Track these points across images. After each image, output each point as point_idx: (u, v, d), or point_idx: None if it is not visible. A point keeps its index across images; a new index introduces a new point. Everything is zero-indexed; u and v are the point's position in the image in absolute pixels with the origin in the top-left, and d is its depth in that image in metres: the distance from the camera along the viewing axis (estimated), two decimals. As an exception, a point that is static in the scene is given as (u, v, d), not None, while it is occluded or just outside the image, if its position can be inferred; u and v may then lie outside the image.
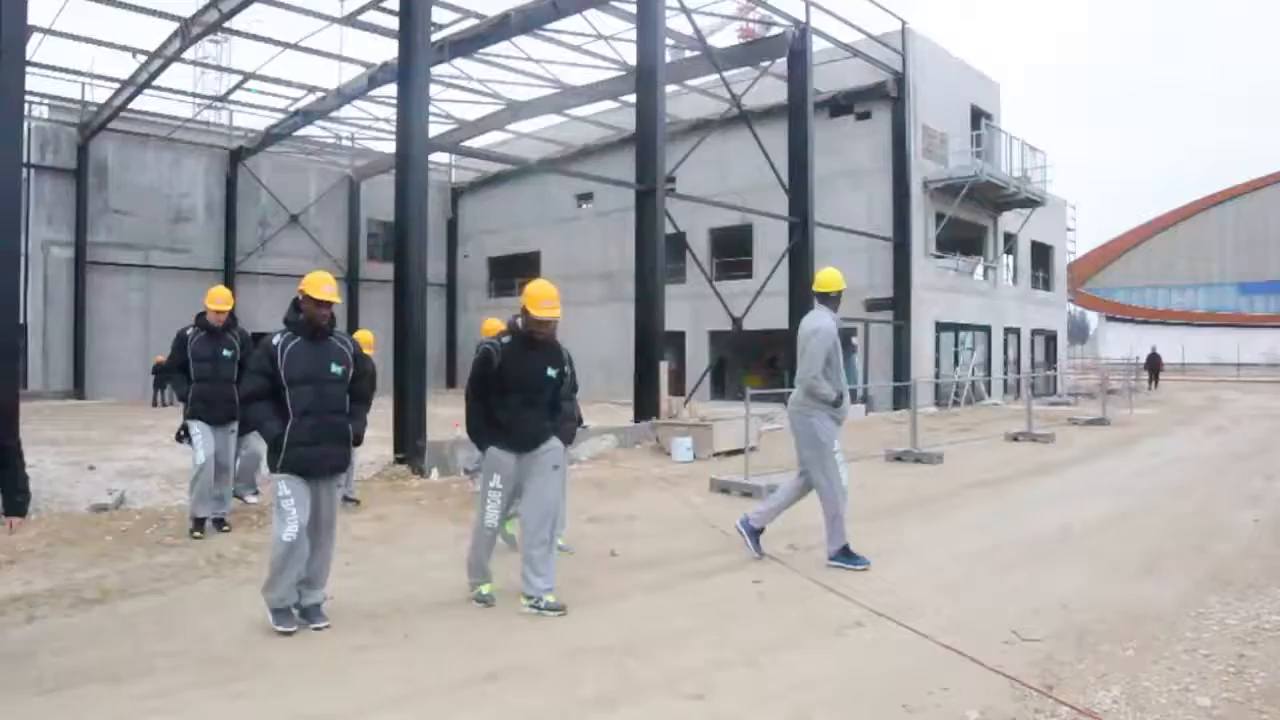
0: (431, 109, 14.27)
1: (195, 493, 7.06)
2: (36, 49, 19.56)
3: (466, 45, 18.84)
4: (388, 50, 20.35)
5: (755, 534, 6.32)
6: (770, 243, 22.65)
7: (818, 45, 19.07)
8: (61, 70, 23.17)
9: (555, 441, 5.23)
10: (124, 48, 20.59)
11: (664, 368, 14.33)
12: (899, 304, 22.06)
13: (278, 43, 20.12)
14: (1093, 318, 67.78)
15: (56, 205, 25.75)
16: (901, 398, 19.92)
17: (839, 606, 5.11)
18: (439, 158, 32.26)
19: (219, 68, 26.01)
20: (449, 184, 35.23)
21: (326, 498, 4.89)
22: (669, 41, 17.23)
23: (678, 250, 20.08)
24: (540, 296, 5.00)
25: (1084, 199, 59.03)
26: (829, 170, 21.13)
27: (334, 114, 25.99)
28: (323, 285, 4.74)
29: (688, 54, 20.41)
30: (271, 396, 4.73)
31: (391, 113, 21.90)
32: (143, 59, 21.05)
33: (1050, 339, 30.53)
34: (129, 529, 7.08)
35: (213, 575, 5.84)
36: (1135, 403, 22.00)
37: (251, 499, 8.05)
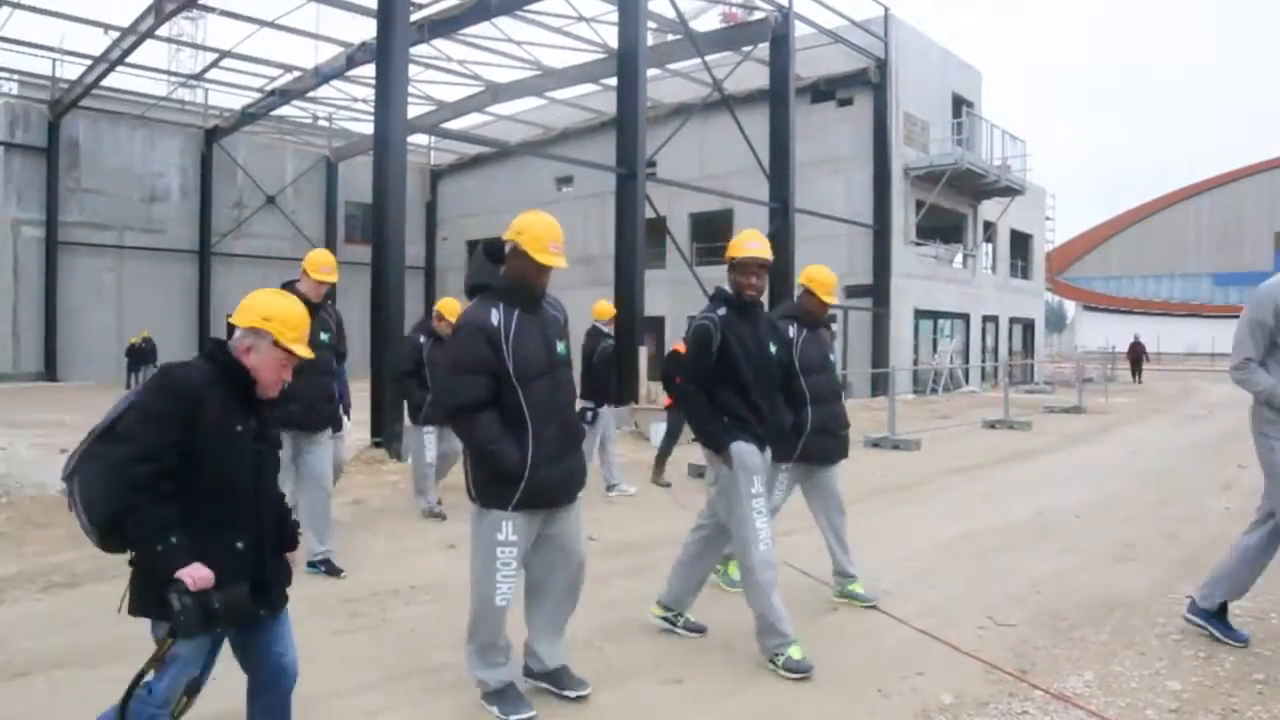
0: (410, 90, 14.14)
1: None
2: (5, 23, 19.21)
3: (446, 25, 18.63)
4: (366, 29, 20.05)
5: None
6: (750, 228, 22.62)
7: (800, 30, 19.02)
8: (31, 46, 22.73)
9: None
10: (96, 23, 20.25)
11: (643, 352, 14.32)
12: (878, 291, 22.16)
13: (254, 20, 19.83)
14: (1070, 306, 68.44)
15: (27, 184, 25.32)
16: (880, 384, 20.02)
17: (815, 591, 5.13)
18: (418, 139, 31.99)
19: (194, 45, 25.68)
20: (428, 166, 34.95)
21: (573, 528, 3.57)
22: (651, 24, 17.12)
23: (658, 235, 20.04)
24: (745, 239, 4.18)
25: (1063, 188, 59.38)
26: (810, 156, 21.14)
27: (311, 94, 25.66)
28: (549, 243, 3.45)
29: (670, 37, 20.28)
30: (495, 403, 3.32)
31: (370, 93, 21.64)
32: (115, 35, 20.70)
33: (1028, 327, 30.79)
34: (101, 512, 6.99)
35: (186, 559, 5.77)
36: (1111, 391, 22.24)
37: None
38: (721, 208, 23.89)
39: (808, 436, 4.67)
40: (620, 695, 3.66)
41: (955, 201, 24.59)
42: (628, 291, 13.89)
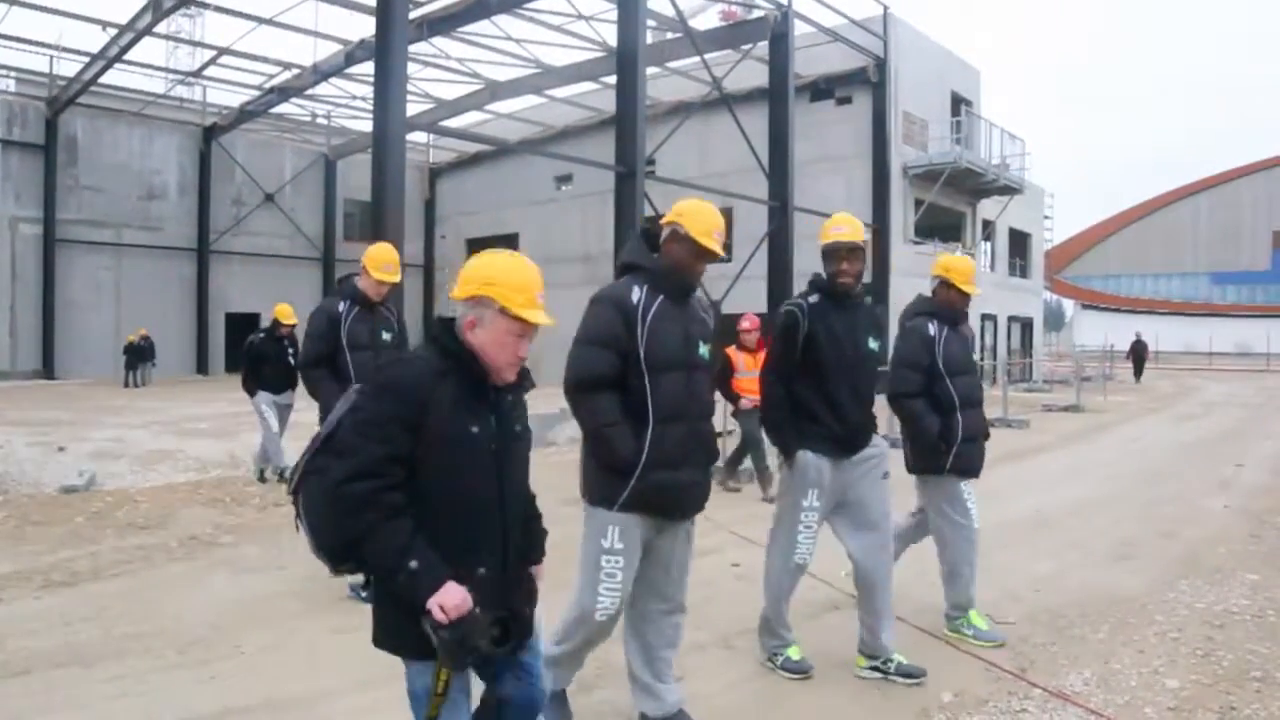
0: (409, 88, 14.13)
1: None
2: (3, 20, 19.14)
3: (445, 23, 18.61)
4: (365, 27, 20.05)
5: None
6: (750, 226, 22.59)
7: (799, 29, 19.00)
8: (29, 43, 22.70)
9: (881, 442, 3.94)
10: (94, 20, 20.22)
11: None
12: (877, 289, 22.12)
13: (252, 17, 19.80)
14: (1069, 305, 68.45)
15: (25, 181, 25.25)
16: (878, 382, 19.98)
17: (815, 590, 5.12)
18: (416, 137, 31.95)
19: (192, 42, 25.57)
20: (426, 164, 34.89)
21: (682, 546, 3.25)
22: (650, 23, 17.10)
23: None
24: (831, 223, 3.84)
25: (1061, 187, 59.43)
26: (809, 155, 21.12)
27: (310, 91, 25.61)
28: (714, 229, 3.11)
29: (669, 35, 20.26)
30: (619, 386, 3.03)
31: (368, 91, 21.59)
32: (113, 32, 20.67)
33: (1026, 326, 30.78)
34: (99, 510, 6.99)
35: (184, 558, 5.78)
36: (1109, 390, 22.26)
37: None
38: (721, 206, 23.64)
39: (959, 445, 4.26)
40: (619, 693, 3.66)
41: (954, 200, 24.58)
42: (626, 290, 13.88)
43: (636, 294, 3.03)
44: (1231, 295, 55.19)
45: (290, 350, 8.83)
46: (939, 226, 25.45)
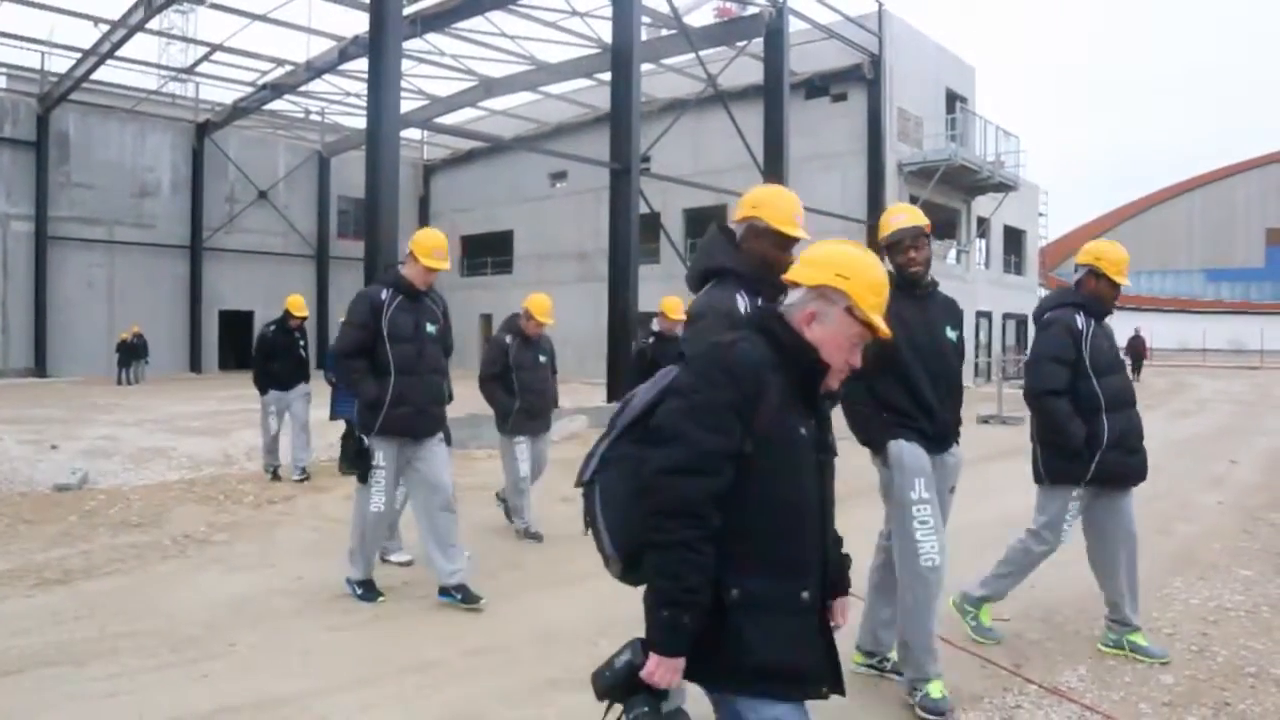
0: (403, 84, 14.07)
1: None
2: (-6, 16, 19.04)
3: (439, 19, 18.57)
4: (359, 23, 20.05)
5: None
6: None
7: (794, 26, 19.01)
8: (20, 39, 22.60)
9: (959, 451, 3.74)
10: (86, 16, 20.09)
11: (637, 348, 14.31)
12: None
13: (246, 13, 19.72)
14: (1062, 302, 68.55)
15: (16, 178, 25.16)
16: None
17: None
18: (410, 134, 31.90)
19: (185, 39, 25.47)
20: (421, 161, 34.85)
21: None
22: (645, 19, 17.09)
23: (652, 230, 20.01)
24: (890, 215, 3.71)
25: (1056, 185, 59.56)
26: (804, 152, 21.12)
27: (303, 88, 25.55)
28: (795, 213, 2.82)
29: (664, 32, 20.26)
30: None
31: (362, 88, 21.52)
32: (105, 28, 20.56)
33: (1021, 323, 30.82)
34: (92, 509, 6.96)
35: (178, 556, 5.75)
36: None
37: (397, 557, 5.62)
38: (716, 203, 23.84)
39: (1103, 453, 3.91)
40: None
41: (949, 197, 24.61)
42: (621, 288, 13.88)
43: (742, 303, 2.71)
44: (1225, 292, 55.39)
45: (302, 343, 8.78)
46: (934, 223, 25.39)
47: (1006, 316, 29.15)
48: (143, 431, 12.43)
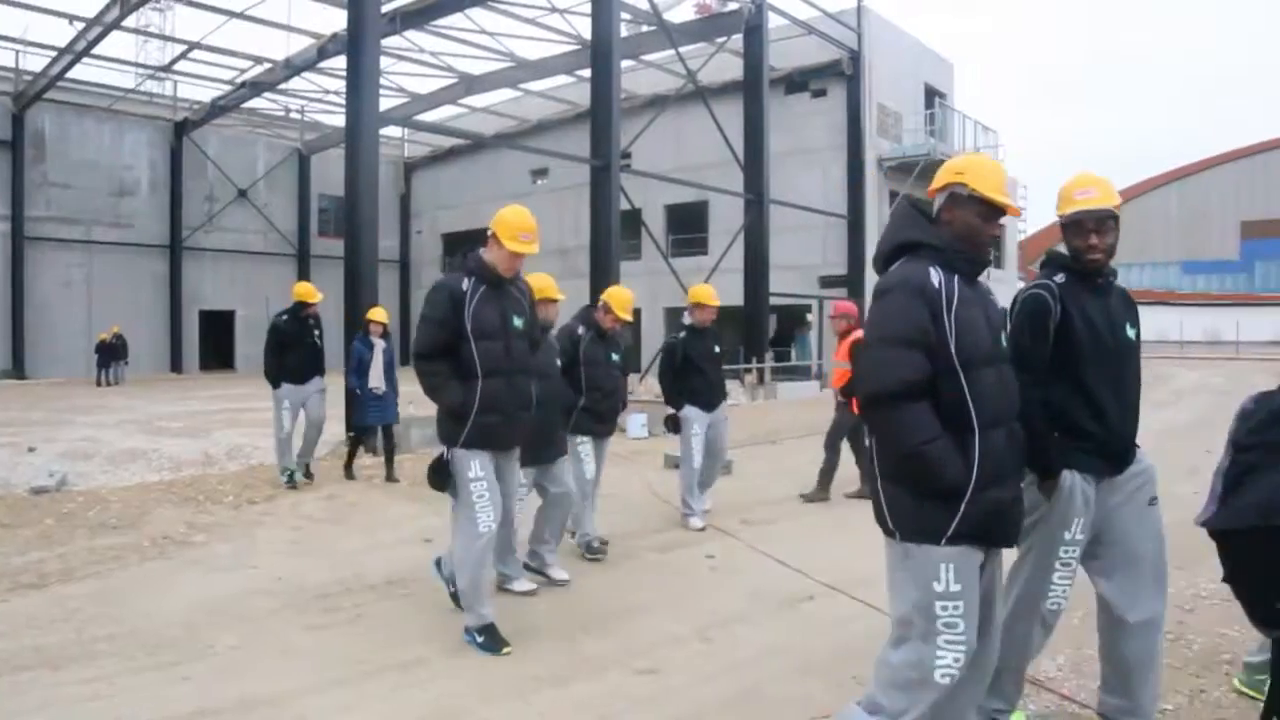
0: (383, 82, 14.00)
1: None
2: (-34, 14, 18.80)
3: (418, 16, 18.51)
4: (337, 21, 19.89)
5: None
6: (725, 219, 22.68)
7: (774, 22, 19.07)
8: (-7, 37, 22.32)
9: (1145, 458, 3.21)
10: (61, 14, 19.90)
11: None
12: (853, 281, 22.25)
13: (223, 11, 19.57)
14: (1042, 295, 68.94)
15: (-9, 178, 24.86)
16: (855, 374, 20.10)
17: (790, 580, 5.15)
18: (391, 132, 31.72)
19: (162, 36, 25.20)
20: (401, 159, 34.70)
21: None
22: (625, 15, 17.08)
23: (633, 227, 20.01)
24: (1073, 187, 3.04)
25: (1035, 179, 59.89)
26: (784, 147, 21.19)
27: (282, 86, 25.41)
28: (1004, 183, 2.58)
29: (643, 28, 20.26)
30: (929, 393, 2.44)
31: (341, 85, 21.43)
32: (80, 26, 20.35)
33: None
34: (70, 511, 6.90)
35: (157, 557, 5.71)
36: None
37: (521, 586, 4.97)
38: (697, 199, 23.90)
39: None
40: (596, 685, 3.66)
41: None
42: (603, 284, 13.84)
43: (935, 277, 2.43)
44: (1201, 284, 55.91)
45: (317, 332, 8.15)
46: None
47: (987, 310, 29.35)
48: (122, 433, 12.34)
